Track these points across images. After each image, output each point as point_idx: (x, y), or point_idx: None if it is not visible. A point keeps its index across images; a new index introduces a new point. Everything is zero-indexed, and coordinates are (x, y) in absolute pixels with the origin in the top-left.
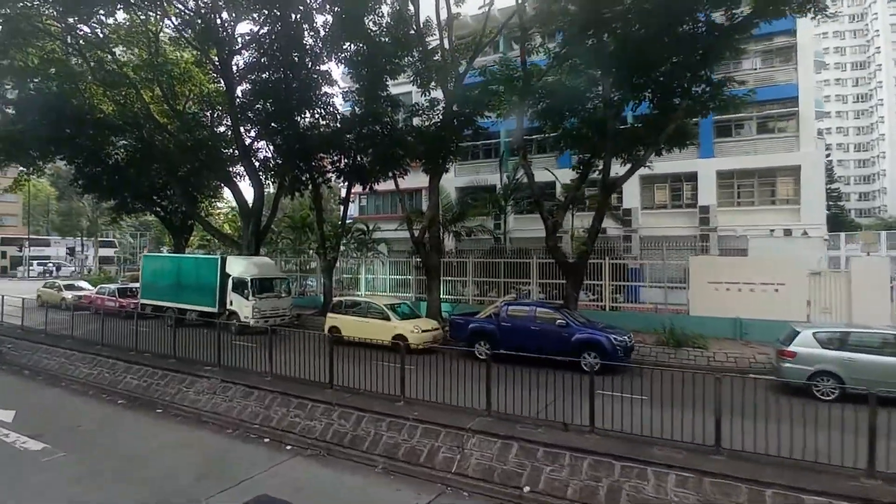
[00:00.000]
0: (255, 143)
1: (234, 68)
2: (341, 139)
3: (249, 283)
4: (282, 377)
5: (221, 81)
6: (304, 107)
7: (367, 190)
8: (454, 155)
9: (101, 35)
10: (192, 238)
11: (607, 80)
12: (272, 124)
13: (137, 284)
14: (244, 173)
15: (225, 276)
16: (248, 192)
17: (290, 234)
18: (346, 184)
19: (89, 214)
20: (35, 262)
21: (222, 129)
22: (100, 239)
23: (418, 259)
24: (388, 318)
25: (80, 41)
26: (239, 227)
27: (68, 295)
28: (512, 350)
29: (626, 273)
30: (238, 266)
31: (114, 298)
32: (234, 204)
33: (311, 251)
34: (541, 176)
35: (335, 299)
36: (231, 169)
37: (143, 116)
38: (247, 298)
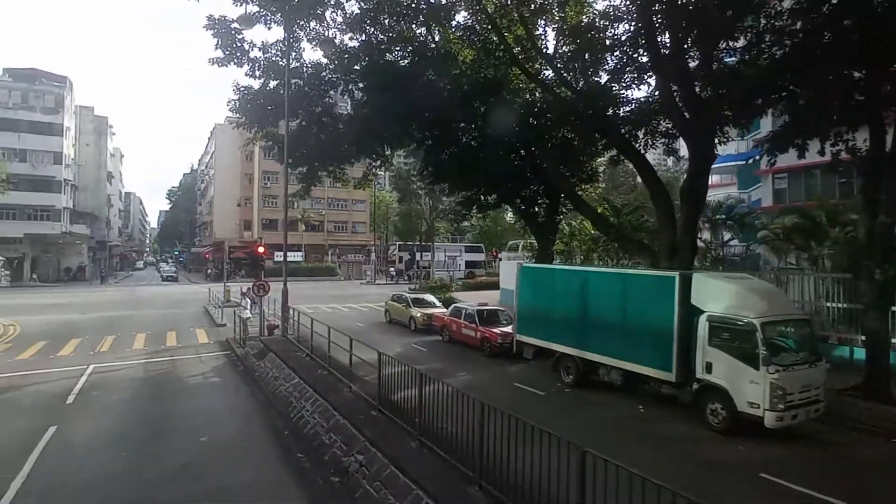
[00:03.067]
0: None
1: None
2: None
3: (760, 334)
4: None
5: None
6: None
7: None
8: None
9: None
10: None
11: None
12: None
13: (494, 305)
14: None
15: (690, 311)
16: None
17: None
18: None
19: (427, 217)
20: (392, 268)
21: (604, 77)
22: (466, 244)
23: None
24: None
25: None
26: (613, 222)
27: (416, 312)
28: None
29: None
30: (721, 294)
31: (472, 325)
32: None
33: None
34: None
35: None
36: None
37: (507, 62)
38: (755, 365)
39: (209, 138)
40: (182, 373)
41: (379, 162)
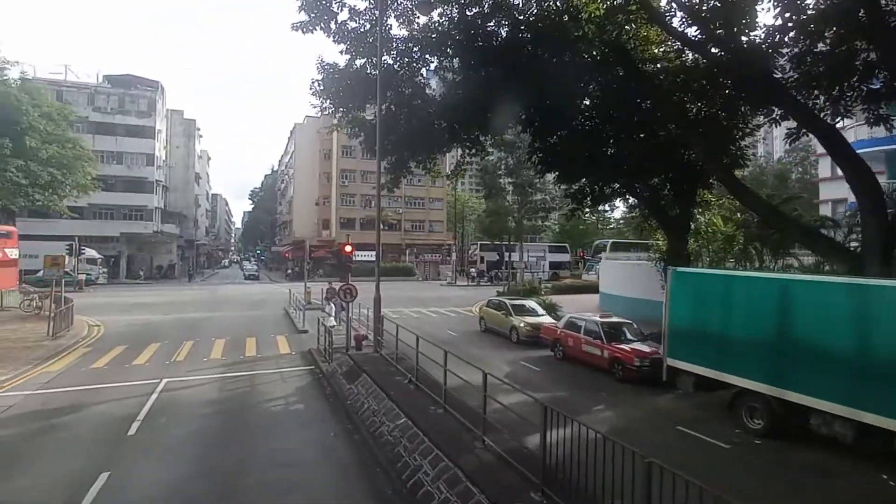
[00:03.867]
0: None
1: None
2: None
3: None
4: None
5: None
6: None
7: None
8: None
9: None
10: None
11: None
12: None
13: (618, 319)
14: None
15: None
16: None
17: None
18: None
19: (515, 214)
20: (473, 269)
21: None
22: (550, 244)
23: None
24: None
25: None
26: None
27: (519, 322)
28: None
29: None
30: None
31: (597, 342)
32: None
33: None
34: None
35: None
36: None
37: (644, 20)
38: None
39: (289, 138)
40: (261, 395)
41: (473, 150)
